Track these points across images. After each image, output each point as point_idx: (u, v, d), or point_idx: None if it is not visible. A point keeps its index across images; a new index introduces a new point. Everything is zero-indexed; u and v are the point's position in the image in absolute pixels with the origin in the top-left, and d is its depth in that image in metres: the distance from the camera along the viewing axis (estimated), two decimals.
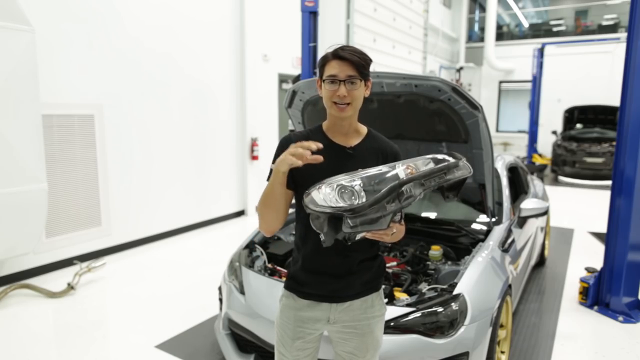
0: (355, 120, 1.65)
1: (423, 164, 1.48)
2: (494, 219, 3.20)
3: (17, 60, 3.62)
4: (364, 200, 1.32)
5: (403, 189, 1.36)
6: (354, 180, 1.36)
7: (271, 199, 1.54)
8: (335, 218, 1.32)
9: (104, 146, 4.99)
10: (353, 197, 1.32)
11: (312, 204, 1.33)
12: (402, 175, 1.40)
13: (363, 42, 9.27)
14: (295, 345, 1.71)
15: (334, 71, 1.53)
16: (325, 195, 1.33)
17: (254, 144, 7.07)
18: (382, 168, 1.43)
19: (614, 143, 4.74)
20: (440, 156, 1.53)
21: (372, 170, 1.42)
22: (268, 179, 1.59)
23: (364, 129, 1.70)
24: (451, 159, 1.53)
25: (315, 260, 1.65)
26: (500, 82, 15.91)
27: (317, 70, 1.62)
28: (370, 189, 1.35)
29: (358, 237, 1.38)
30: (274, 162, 1.63)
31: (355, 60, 1.53)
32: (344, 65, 1.53)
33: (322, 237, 1.35)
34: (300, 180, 1.59)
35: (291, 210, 1.71)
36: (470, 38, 16.69)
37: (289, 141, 1.64)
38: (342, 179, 1.36)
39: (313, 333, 1.71)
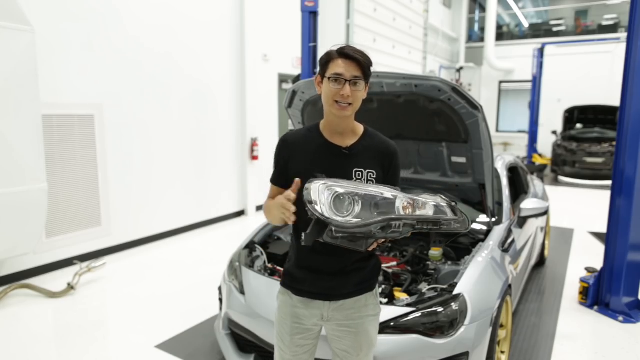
0: (352, 120, 1.65)
1: (424, 204, 1.48)
2: (494, 219, 3.20)
3: (17, 60, 3.62)
4: (356, 213, 1.36)
5: (393, 222, 1.39)
6: (353, 192, 1.38)
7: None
8: (321, 223, 1.35)
9: (104, 146, 4.99)
10: (345, 208, 1.35)
11: (308, 196, 1.35)
12: (398, 205, 1.42)
13: (363, 42, 9.26)
14: (293, 341, 1.72)
15: (339, 70, 1.52)
16: (320, 196, 1.34)
17: (254, 144, 7.07)
18: (384, 193, 1.44)
19: (614, 143, 4.74)
20: (444, 203, 1.52)
21: (374, 191, 1.43)
22: (271, 181, 1.67)
23: (360, 128, 1.69)
24: (451, 214, 1.51)
25: (309, 258, 1.66)
26: (500, 82, 15.91)
27: (318, 67, 1.61)
28: (367, 204, 1.38)
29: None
30: (275, 163, 1.67)
31: (362, 61, 1.52)
32: (350, 64, 1.52)
33: (302, 236, 1.38)
34: (294, 178, 1.60)
35: None
36: (470, 38, 16.69)
37: (285, 142, 1.67)
38: (342, 187, 1.38)
39: (312, 329, 1.73)
